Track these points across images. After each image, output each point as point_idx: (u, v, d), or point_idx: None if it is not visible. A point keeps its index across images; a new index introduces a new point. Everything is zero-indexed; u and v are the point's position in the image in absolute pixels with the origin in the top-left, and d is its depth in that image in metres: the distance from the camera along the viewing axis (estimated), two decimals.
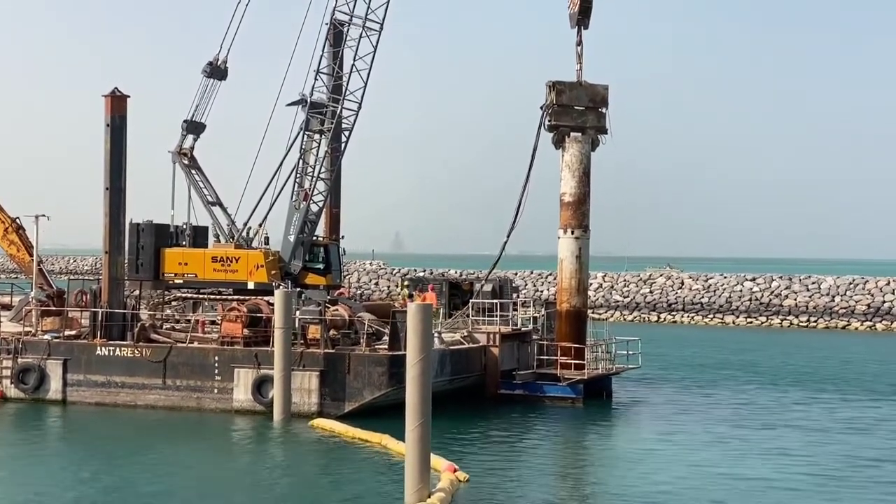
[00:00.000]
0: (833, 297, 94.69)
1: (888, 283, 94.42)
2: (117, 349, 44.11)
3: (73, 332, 46.25)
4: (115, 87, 45.48)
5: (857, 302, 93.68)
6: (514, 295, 52.48)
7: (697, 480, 31.76)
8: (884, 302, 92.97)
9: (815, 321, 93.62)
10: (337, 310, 43.58)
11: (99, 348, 44.28)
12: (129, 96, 45.66)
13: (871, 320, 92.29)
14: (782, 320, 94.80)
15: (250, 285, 47.45)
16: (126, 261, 47.29)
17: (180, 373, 43.19)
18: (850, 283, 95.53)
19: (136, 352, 43.78)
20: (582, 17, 48.93)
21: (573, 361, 46.89)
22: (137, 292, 49.11)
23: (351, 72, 47.37)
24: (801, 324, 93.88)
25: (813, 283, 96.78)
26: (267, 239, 49.14)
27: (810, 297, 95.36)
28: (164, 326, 46.51)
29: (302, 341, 42.33)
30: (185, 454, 35.40)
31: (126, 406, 43.39)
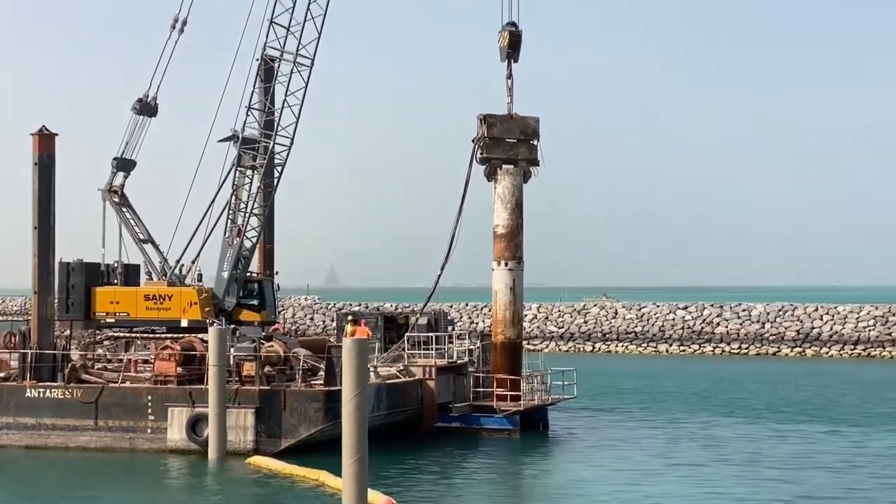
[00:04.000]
0: (763, 323, 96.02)
1: (816, 310, 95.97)
2: (47, 390, 43.42)
3: (1, 375, 45.44)
4: (43, 125, 45.00)
5: (786, 328, 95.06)
6: (450, 327, 52.52)
7: None
8: (812, 328, 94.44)
9: (747, 348, 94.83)
10: (272, 346, 43.33)
11: (28, 390, 43.55)
12: (56, 134, 45.19)
13: (800, 346, 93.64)
14: (714, 348, 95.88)
15: (184, 323, 47.01)
16: (56, 300, 46.68)
17: (112, 413, 42.59)
18: (780, 310, 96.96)
19: (67, 393, 43.13)
20: (511, 50, 49.41)
21: (509, 393, 47.03)
22: (68, 332, 48.39)
23: (283, 107, 47.32)
24: (732, 351, 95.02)
25: (743, 310, 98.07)
26: (200, 276, 48.75)
27: (741, 324, 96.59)
28: (96, 366, 45.87)
29: (237, 378, 42.01)
30: (120, 496, 34.89)
31: (57, 448, 42.67)
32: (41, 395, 43.40)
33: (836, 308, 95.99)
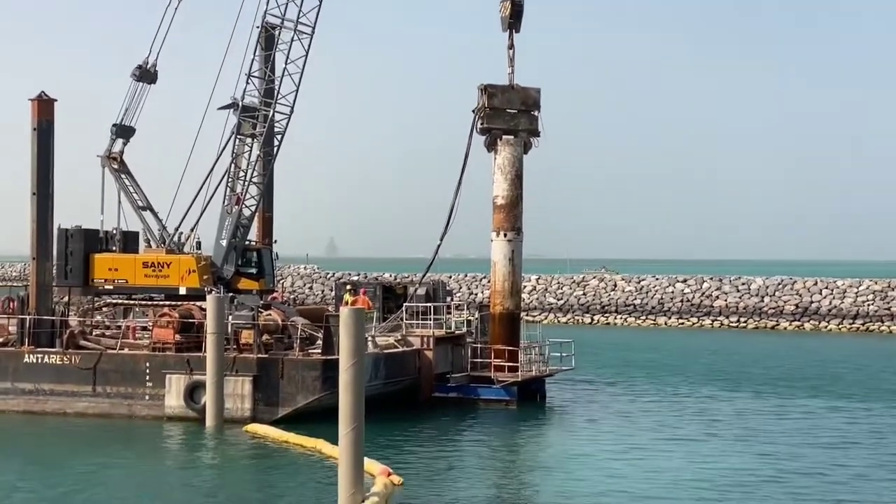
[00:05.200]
0: (762, 297, 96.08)
1: (815, 284, 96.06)
2: (46, 356, 43.47)
3: (0, 340, 45.49)
4: (42, 91, 44.84)
5: (785, 302, 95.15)
6: (448, 298, 52.51)
7: (628, 482, 32.04)
8: (811, 302, 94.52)
9: (745, 321, 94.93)
10: (270, 314, 43.34)
11: (27, 355, 43.61)
12: (56, 100, 45.06)
13: (799, 320, 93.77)
14: (713, 321, 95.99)
15: (182, 291, 47.01)
16: (54, 267, 46.66)
17: (111, 379, 42.65)
18: (779, 284, 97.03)
19: (65, 359, 43.18)
20: (513, 20, 49.21)
21: (507, 364, 47.08)
22: (66, 299, 48.41)
23: (283, 75, 47.16)
24: (731, 324, 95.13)
25: (743, 283, 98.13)
26: (199, 244, 48.70)
27: (740, 297, 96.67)
28: (94, 333, 45.91)
29: (235, 346, 42.05)
30: (117, 462, 34.96)
31: (55, 414, 42.76)
32: (39, 360, 43.44)
33: (835, 282, 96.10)
